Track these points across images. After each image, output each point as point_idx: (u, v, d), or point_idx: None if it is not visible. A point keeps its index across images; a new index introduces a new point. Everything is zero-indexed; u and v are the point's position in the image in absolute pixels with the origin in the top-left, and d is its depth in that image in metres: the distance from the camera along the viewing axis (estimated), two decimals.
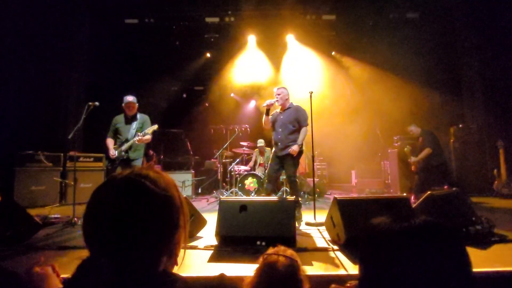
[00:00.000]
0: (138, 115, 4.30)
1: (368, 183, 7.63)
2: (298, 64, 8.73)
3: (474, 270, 0.61)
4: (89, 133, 6.42)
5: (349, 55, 8.78)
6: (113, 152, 4.10)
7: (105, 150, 4.25)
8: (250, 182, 6.26)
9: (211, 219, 3.35)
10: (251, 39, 8.60)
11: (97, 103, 4.04)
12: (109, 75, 7.22)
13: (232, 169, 6.57)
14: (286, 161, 4.04)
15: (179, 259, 0.72)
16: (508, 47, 6.46)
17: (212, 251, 2.61)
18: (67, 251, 2.66)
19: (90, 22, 7.53)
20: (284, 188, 5.89)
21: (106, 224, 0.61)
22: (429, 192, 3.00)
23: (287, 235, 2.62)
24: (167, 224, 0.66)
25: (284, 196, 5.50)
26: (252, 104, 10.14)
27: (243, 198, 4.09)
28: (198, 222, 3.21)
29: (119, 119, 4.29)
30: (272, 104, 4.08)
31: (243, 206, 2.80)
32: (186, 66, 9.18)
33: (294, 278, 1.26)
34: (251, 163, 7.16)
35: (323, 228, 3.34)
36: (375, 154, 7.86)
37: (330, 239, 2.99)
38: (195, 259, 2.42)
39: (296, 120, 4.08)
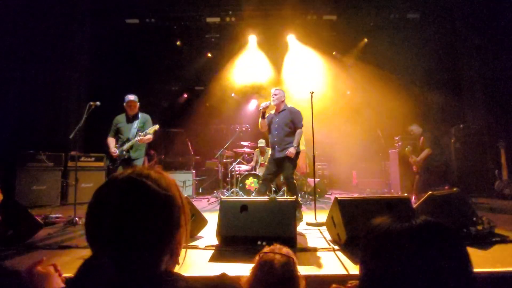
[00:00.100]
0: (140, 115, 4.27)
1: (369, 183, 7.63)
2: (299, 64, 8.72)
3: (475, 270, 0.61)
4: (90, 133, 6.41)
5: (349, 55, 8.77)
6: (115, 150, 4.08)
7: (106, 149, 4.24)
8: (250, 182, 6.26)
9: (212, 219, 3.35)
10: (252, 39, 8.59)
11: (98, 103, 4.04)
12: (110, 75, 7.22)
13: (232, 169, 6.57)
14: (283, 163, 4.09)
15: (180, 259, 0.72)
16: (508, 47, 6.45)
17: (213, 251, 2.61)
18: (68, 250, 2.67)
19: (91, 22, 7.54)
20: (284, 188, 5.89)
21: (107, 224, 0.61)
22: (430, 192, 2.99)
23: (287, 235, 2.62)
24: (168, 224, 0.66)
25: (285, 196, 5.50)
26: (253, 104, 10.14)
27: (244, 198, 4.09)
28: (199, 222, 3.21)
29: (120, 118, 4.27)
30: (267, 107, 4.14)
31: (244, 206, 2.80)
32: (187, 66, 9.19)
33: (290, 275, 1.27)
34: (253, 163, 7.17)
35: (323, 228, 3.34)
36: (376, 154, 7.84)
37: (330, 239, 2.99)
38: (196, 259, 2.42)
39: (291, 122, 4.13)
